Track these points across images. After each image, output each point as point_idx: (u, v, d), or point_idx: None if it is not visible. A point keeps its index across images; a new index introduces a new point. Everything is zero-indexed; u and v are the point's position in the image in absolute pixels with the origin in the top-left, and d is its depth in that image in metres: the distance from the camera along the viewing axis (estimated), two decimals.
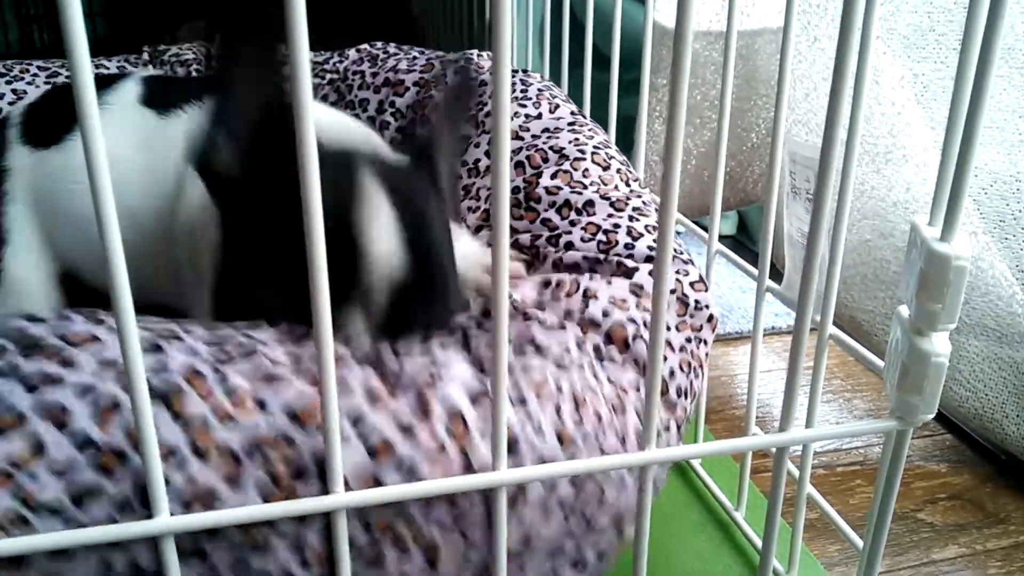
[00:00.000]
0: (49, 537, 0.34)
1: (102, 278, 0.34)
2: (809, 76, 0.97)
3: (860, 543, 0.61)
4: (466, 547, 0.44)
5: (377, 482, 0.40)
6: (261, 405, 0.41)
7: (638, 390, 0.52)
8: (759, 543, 0.66)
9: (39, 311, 0.45)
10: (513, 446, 0.43)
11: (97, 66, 1.19)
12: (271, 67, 0.51)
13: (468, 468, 0.42)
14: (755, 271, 0.62)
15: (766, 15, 1.08)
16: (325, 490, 0.38)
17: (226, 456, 0.39)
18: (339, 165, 0.52)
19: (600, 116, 0.87)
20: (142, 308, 0.36)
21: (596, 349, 0.53)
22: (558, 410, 0.46)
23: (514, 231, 0.71)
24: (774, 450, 0.45)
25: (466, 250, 0.64)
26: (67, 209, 0.69)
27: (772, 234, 0.58)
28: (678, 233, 0.70)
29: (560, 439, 0.45)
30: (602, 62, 0.86)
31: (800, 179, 0.57)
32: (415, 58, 1.02)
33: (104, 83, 0.72)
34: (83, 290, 0.72)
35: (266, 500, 0.39)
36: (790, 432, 0.42)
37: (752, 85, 1.07)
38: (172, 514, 0.36)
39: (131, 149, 0.62)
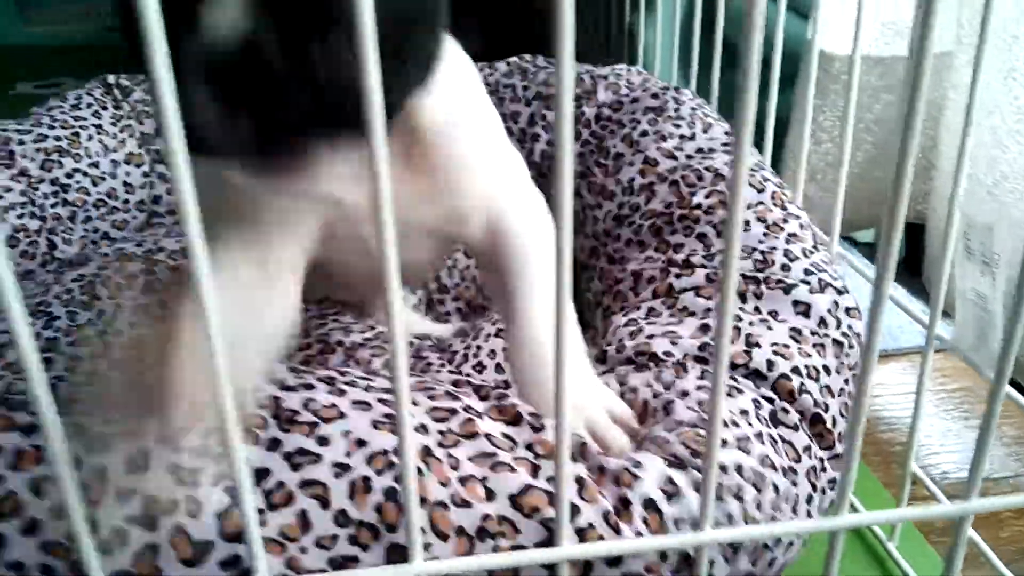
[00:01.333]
0: None
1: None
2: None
3: None
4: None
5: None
6: (489, 494, 0.46)
7: (808, 451, 0.56)
8: None
9: (284, 374, 0.49)
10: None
11: None
12: None
13: (663, 555, 0.46)
14: (925, 320, 0.64)
15: None
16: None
17: (462, 536, 0.44)
18: None
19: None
20: None
21: (772, 415, 0.56)
22: (740, 497, 0.49)
23: (667, 245, 0.75)
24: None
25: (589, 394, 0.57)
26: None
27: (943, 293, 0.61)
28: (817, 249, 0.71)
29: (745, 521, 0.49)
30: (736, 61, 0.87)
31: (975, 241, 0.59)
32: None
33: None
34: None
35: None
36: (977, 500, 0.45)
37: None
38: None
39: None
